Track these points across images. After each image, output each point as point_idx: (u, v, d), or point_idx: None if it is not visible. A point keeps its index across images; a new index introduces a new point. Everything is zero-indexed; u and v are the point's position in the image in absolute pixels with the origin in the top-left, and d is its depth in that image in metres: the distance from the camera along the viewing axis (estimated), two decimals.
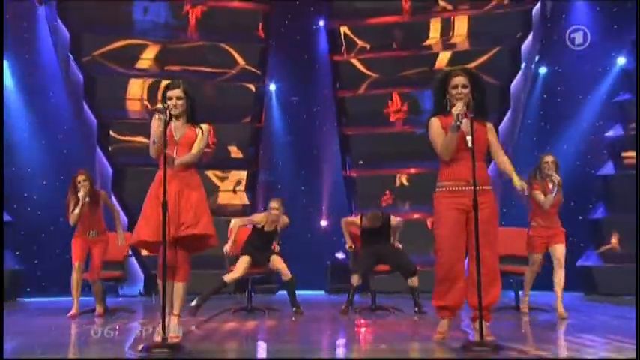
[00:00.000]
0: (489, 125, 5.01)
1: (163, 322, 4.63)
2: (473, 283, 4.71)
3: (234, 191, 12.68)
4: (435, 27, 13.69)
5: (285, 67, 13.88)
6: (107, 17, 13.16)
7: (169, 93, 5.06)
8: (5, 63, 12.63)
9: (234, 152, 13.05)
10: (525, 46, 13.19)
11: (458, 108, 4.64)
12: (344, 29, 13.97)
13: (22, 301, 10.34)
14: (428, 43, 13.64)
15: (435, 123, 4.89)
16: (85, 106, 12.53)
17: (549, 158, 7.31)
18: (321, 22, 14.21)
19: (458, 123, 4.63)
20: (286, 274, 7.95)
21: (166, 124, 4.81)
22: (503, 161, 4.96)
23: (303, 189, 13.14)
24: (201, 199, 5.06)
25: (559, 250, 7.29)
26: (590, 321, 7.33)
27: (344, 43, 13.95)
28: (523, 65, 13.05)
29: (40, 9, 13.02)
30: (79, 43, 12.79)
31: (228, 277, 7.66)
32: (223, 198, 12.69)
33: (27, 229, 11.60)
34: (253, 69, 13.50)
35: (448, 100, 4.86)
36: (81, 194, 7.43)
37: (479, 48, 13.32)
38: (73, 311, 7.56)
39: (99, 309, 7.73)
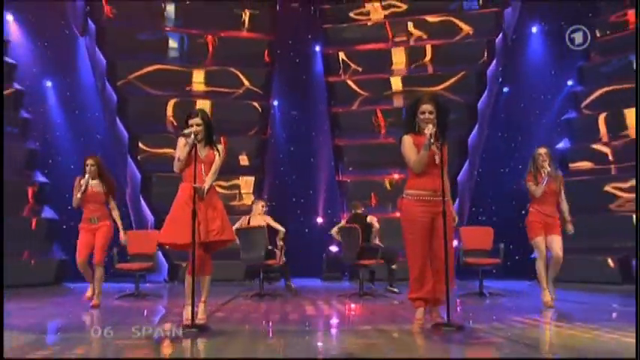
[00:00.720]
0: (446, 146, 4.98)
1: (193, 308, 4.79)
2: (438, 278, 4.86)
3: (243, 194, 12.59)
4: (410, 53, 13.83)
5: (287, 85, 13.92)
6: (137, 46, 13.31)
7: (190, 121, 5.10)
8: (49, 83, 12.89)
9: (243, 160, 13.01)
10: (490, 70, 13.30)
11: (430, 130, 4.73)
12: (341, 54, 14.04)
13: (67, 285, 10.33)
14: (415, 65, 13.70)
15: (408, 140, 4.93)
16: (118, 121, 12.60)
17: (542, 150, 6.54)
18: (317, 48, 14.31)
19: (431, 143, 4.70)
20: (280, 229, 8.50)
21: (192, 147, 4.98)
22: (446, 179, 4.94)
23: (302, 191, 13.11)
24: (223, 209, 5.17)
25: (556, 244, 6.47)
26: (534, 306, 7.29)
27: (341, 66, 14.01)
28: (488, 86, 13.17)
29: (80, 39, 13.25)
30: (113, 68, 12.87)
31: None
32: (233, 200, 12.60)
33: (68, 224, 11.71)
34: (259, 89, 13.53)
35: (417, 122, 4.92)
36: (85, 177, 6.65)
37: (449, 71, 13.35)
38: (89, 293, 6.85)
39: (95, 301, 6.72)
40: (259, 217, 8.67)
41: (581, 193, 10.82)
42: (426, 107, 4.87)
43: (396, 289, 8.22)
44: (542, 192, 6.43)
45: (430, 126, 4.74)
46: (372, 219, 8.68)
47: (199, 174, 5.03)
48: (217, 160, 5.17)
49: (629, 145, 11.01)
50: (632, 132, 11.11)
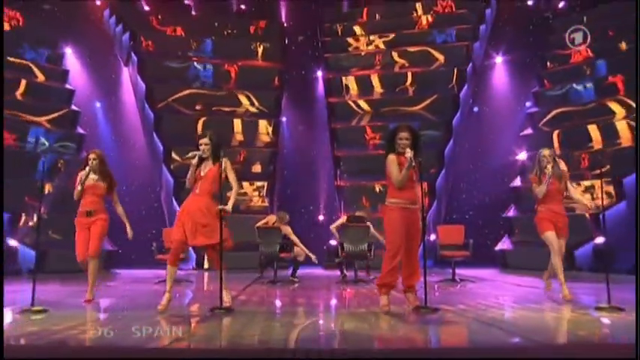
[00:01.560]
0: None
1: (221, 295, 4.87)
2: (413, 270, 4.96)
3: (258, 197, 12.67)
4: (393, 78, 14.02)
5: (294, 105, 14.10)
6: (170, 74, 13.54)
7: (200, 141, 5.05)
8: (99, 104, 13.16)
9: (256, 168, 13.04)
10: (463, 93, 13.42)
11: (409, 154, 4.80)
12: (345, 79, 14.12)
13: (114, 271, 10.44)
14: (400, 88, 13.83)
15: (392, 159, 4.95)
16: (155, 136, 12.79)
17: (546, 152, 5.84)
18: (319, 73, 14.49)
19: (412, 165, 4.82)
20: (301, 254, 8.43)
21: (198, 164, 5.00)
22: (419, 190, 5.03)
23: (306, 194, 13.16)
24: (215, 216, 4.92)
25: (561, 244, 5.84)
26: (503, 287, 7.56)
27: (344, 89, 14.10)
28: (461, 107, 13.30)
29: (124, 67, 13.53)
30: (151, 91, 13.05)
31: None
32: (250, 202, 12.75)
33: (114, 221, 12.00)
34: (270, 109, 13.67)
35: (396, 146, 4.97)
36: (85, 170, 5.71)
37: (426, 94, 13.49)
38: (88, 297, 5.68)
39: (88, 295, 5.67)
40: (283, 227, 8.61)
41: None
42: (404, 134, 4.95)
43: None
44: (548, 191, 5.76)
45: (409, 150, 4.85)
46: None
47: (201, 188, 4.99)
48: (229, 174, 5.07)
49: (579, 155, 11.22)
50: (596, 144, 11.24)
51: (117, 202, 5.95)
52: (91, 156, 5.81)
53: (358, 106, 13.85)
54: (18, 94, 11.94)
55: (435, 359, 3.17)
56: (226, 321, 4.49)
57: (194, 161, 5.01)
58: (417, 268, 4.99)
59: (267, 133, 13.47)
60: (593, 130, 11.43)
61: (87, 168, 5.74)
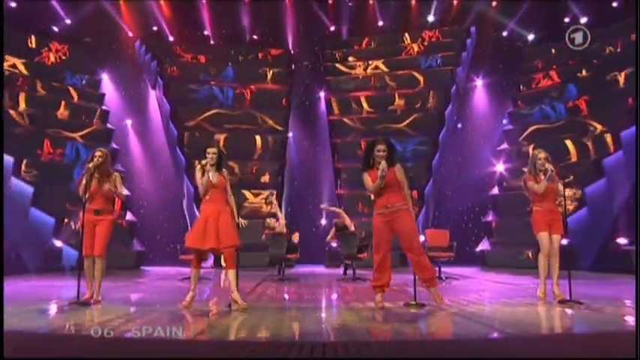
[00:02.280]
0: (397, 166, 4.96)
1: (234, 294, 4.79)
2: (421, 265, 4.85)
3: (265, 203, 12.54)
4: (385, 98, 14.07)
5: (299, 122, 14.17)
6: (192, 96, 13.65)
7: (208, 150, 4.96)
8: (129, 122, 13.27)
9: (265, 178, 13.00)
10: (448, 111, 13.48)
11: (382, 166, 4.77)
12: (340, 99, 14.21)
13: (144, 269, 10.51)
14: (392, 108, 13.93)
15: (366, 176, 4.96)
16: (178, 150, 12.86)
17: (542, 155, 5.46)
18: (322, 94, 14.56)
19: (383, 174, 4.77)
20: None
21: (205, 172, 4.86)
22: (406, 193, 4.97)
23: (310, 201, 13.20)
24: (231, 221, 4.84)
25: (555, 241, 5.38)
26: (483, 284, 7.57)
27: (344, 109, 14.15)
28: (446, 123, 13.39)
29: (151, 90, 13.65)
30: (175, 111, 13.15)
31: None
32: (259, 208, 12.65)
33: (142, 225, 12.05)
34: (278, 126, 13.76)
35: (374, 158, 4.91)
36: (89, 165, 5.14)
37: (412, 112, 13.57)
38: (88, 295, 5.14)
39: (94, 294, 5.14)
40: (293, 235, 8.67)
41: (512, 203, 11.13)
42: (381, 147, 4.93)
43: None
44: (544, 190, 5.38)
45: (383, 162, 4.82)
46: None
47: (212, 196, 4.85)
48: (227, 185, 4.97)
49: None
50: (573, 157, 11.28)
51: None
52: (97, 153, 5.25)
53: (355, 123, 13.87)
54: (58, 113, 12.13)
55: (421, 351, 3.21)
56: (241, 316, 4.47)
57: (200, 173, 4.86)
58: (424, 262, 4.87)
59: (277, 148, 13.51)
60: (570, 144, 11.46)
61: (90, 163, 5.14)
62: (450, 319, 4.37)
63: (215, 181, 4.89)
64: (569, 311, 4.64)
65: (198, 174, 4.89)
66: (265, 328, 3.94)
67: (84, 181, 5.14)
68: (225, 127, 13.31)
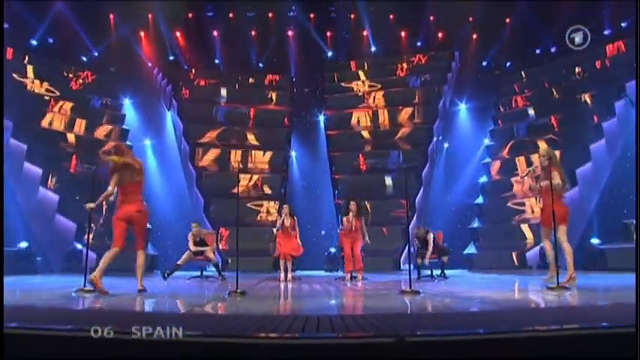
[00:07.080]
0: (362, 220, 7.44)
1: (237, 280, 4.90)
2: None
3: (269, 213, 12.49)
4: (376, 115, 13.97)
5: (301, 140, 14.11)
6: (204, 116, 13.71)
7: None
8: (147, 141, 13.25)
9: (267, 190, 12.88)
10: (436, 126, 13.43)
11: (351, 216, 7.32)
12: (343, 114, 14.14)
13: (156, 271, 10.22)
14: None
15: (344, 220, 7.48)
16: (190, 165, 12.83)
17: (540, 151, 5.43)
18: (321, 117, 14.42)
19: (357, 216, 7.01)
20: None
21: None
22: (363, 229, 7.49)
23: (311, 211, 12.89)
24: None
25: (561, 235, 5.15)
26: (468, 282, 7.41)
27: (341, 124, 14.06)
28: (435, 137, 13.31)
29: (166, 111, 13.71)
30: (188, 130, 13.18)
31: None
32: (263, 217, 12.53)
33: (157, 231, 11.85)
34: (282, 143, 13.70)
35: (348, 209, 7.28)
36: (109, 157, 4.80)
37: (401, 127, 13.55)
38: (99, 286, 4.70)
39: (139, 285, 4.87)
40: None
41: (496, 210, 11.06)
42: (352, 206, 7.41)
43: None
44: (539, 190, 5.26)
45: (352, 214, 7.39)
46: (429, 236, 8.05)
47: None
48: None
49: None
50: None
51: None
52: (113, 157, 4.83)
53: (351, 137, 13.81)
54: (82, 131, 12.28)
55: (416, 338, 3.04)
56: (242, 301, 4.39)
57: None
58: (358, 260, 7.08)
59: (279, 163, 13.47)
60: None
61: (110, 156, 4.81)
62: (441, 300, 4.31)
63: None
64: (555, 293, 4.61)
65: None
66: (264, 310, 3.85)
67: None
68: (233, 142, 13.30)
